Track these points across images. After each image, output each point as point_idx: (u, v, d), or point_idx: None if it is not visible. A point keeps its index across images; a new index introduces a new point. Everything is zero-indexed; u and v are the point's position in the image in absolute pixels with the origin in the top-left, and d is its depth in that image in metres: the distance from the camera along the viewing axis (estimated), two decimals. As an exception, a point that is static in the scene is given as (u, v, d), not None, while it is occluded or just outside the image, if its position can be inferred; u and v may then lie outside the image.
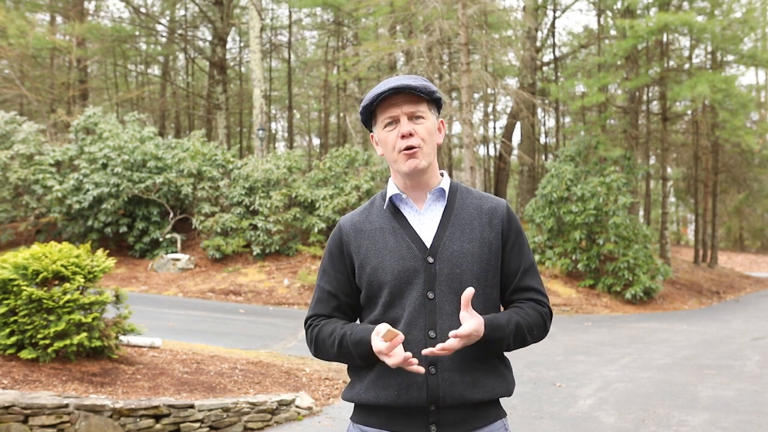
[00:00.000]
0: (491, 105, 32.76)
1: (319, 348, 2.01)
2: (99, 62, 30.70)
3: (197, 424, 5.40)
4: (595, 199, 16.93)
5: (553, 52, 28.69)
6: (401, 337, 1.79)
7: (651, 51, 22.38)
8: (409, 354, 1.78)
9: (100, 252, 6.51)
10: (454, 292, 1.90)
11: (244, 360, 7.59)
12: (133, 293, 12.93)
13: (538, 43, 25.68)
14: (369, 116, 2.02)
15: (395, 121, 1.96)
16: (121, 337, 6.58)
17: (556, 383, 7.55)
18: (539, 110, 28.20)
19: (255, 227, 16.83)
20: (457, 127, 27.79)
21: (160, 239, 17.11)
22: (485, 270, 1.96)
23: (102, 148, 16.72)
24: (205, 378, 6.45)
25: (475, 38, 19.19)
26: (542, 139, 31.55)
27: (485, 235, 1.98)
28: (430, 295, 1.91)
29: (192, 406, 5.41)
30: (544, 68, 28.00)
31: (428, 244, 1.96)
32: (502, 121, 32.09)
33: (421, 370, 1.80)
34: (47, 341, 5.77)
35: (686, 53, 25.79)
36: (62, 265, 5.94)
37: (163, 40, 31.04)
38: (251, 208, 17.05)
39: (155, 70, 34.29)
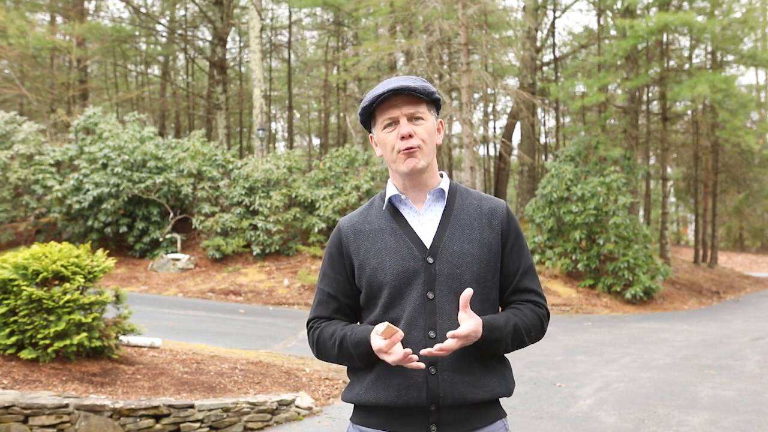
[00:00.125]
0: (491, 105, 32.79)
1: (321, 350, 2.02)
2: (99, 62, 30.70)
3: (197, 424, 5.40)
4: (595, 199, 16.93)
5: (553, 52, 28.70)
6: (400, 334, 1.79)
7: (651, 51, 22.39)
8: (408, 350, 1.78)
9: (100, 252, 6.51)
10: (454, 292, 1.90)
11: (244, 360, 7.59)
12: (133, 293, 12.93)
13: (538, 43, 25.68)
14: (368, 117, 2.02)
15: (395, 122, 1.96)
16: (121, 337, 6.59)
17: (556, 383, 7.55)
18: (539, 110, 28.20)
19: (255, 227, 16.83)
20: (457, 127, 27.80)
21: (160, 239, 17.11)
22: (485, 271, 1.96)
23: (102, 148, 16.73)
24: (205, 378, 6.46)
25: (475, 38, 19.19)
26: (542, 139, 31.55)
27: (485, 236, 1.98)
28: (430, 295, 1.92)
29: (192, 406, 5.41)
30: (544, 68, 28.01)
31: (428, 245, 1.96)
32: (502, 121, 32.11)
33: (422, 365, 1.80)
34: (47, 341, 5.77)
35: (686, 53, 25.79)
36: (62, 265, 5.94)
37: (163, 40, 31.05)
38: (251, 208, 17.05)
39: (155, 70, 34.30)
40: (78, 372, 5.85)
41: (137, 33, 29.74)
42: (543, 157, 29.94)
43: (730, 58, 24.07)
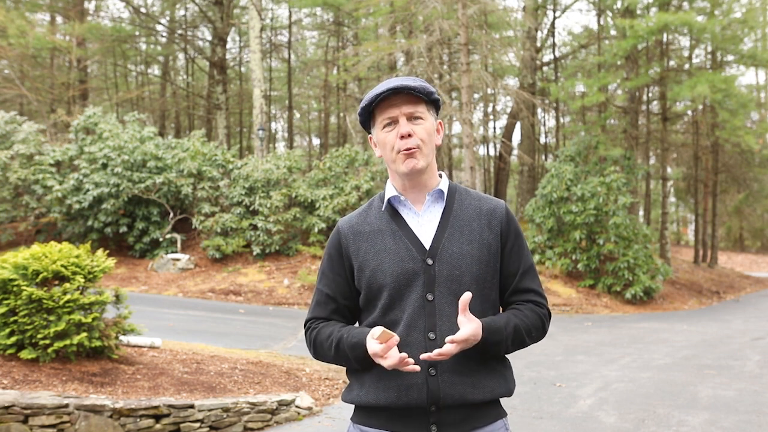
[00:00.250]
0: (491, 105, 32.79)
1: (318, 351, 2.02)
2: (99, 62, 30.71)
3: (197, 424, 5.40)
4: (595, 199, 16.93)
5: (553, 52, 28.70)
6: (396, 338, 1.79)
7: (651, 51, 22.38)
8: (404, 354, 1.78)
9: (100, 252, 6.52)
10: (454, 294, 1.90)
11: (244, 360, 7.59)
12: (133, 293, 12.93)
13: (538, 43, 25.68)
14: (368, 117, 2.02)
15: (394, 121, 1.96)
16: (121, 337, 6.59)
17: (556, 383, 7.55)
18: (539, 110, 28.20)
19: (255, 227, 16.83)
20: (457, 127, 27.81)
21: (160, 239, 17.11)
22: (484, 271, 1.96)
23: (102, 148, 16.73)
24: (205, 378, 6.46)
25: (475, 38, 19.19)
26: (542, 139, 31.55)
27: (484, 237, 1.98)
28: (430, 297, 1.91)
29: (192, 406, 5.41)
30: (544, 68, 28.00)
31: (427, 246, 1.95)
32: (502, 121, 32.11)
33: (417, 368, 1.80)
34: (47, 341, 5.78)
35: (686, 53, 25.79)
36: (62, 265, 5.94)
37: (163, 40, 31.06)
38: (251, 208, 17.05)
39: (155, 70, 34.30)
40: (78, 372, 5.85)
41: (137, 33, 29.74)
42: (543, 157, 29.94)
43: (730, 58, 24.08)
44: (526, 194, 23.27)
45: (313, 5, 24.79)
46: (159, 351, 7.30)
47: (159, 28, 30.33)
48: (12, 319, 5.78)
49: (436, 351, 1.79)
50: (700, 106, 23.39)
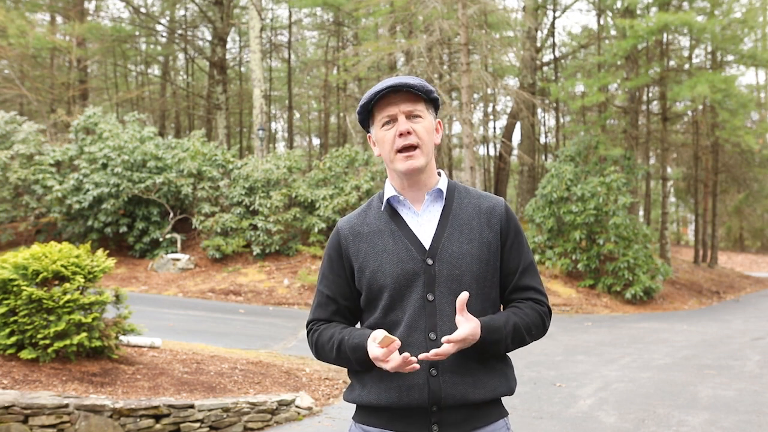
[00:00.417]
0: (491, 105, 32.77)
1: (320, 353, 2.03)
2: (99, 62, 30.71)
3: (197, 424, 5.40)
4: (595, 199, 16.93)
5: (553, 52, 28.70)
6: (398, 343, 1.79)
7: (651, 51, 22.38)
8: (407, 354, 1.78)
9: (100, 252, 6.51)
10: (454, 293, 1.90)
11: (244, 360, 7.59)
12: (133, 293, 12.93)
13: (538, 43, 25.68)
14: (367, 116, 2.02)
15: (393, 120, 1.95)
16: (121, 337, 6.59)
17: (556, 383, 7.55)
18: (539, 110, 28.19)
19: (255, 227, 16.83)
20: (457, 127, 27.81)
21: (160, 239, 17.11)
22: (484, 270, 1.95)
23: (102, 148, 16.73)
24: (205, 378, 6.46)
25: (475, 38, 19.20)
26: (542, 139, 31.54)
27: (484, 235, 1.97)
28: (430, 297, 1.91)
29: (192, 406, 5.41)
30: (544, 68, 28.00)
31: (427, 246, 1.95)
32: (502, 121, 32.10)
33: (417, 366, 1.80)
34: (47, 341, 5.77)
35: (686, 53, 25.79)
36: (62, 265, 5.94)
37: (163, 40, 31.06)
38: (251, 208, 17.05)
39: (155, 70, 34.30)
40: (78, 372, 5.85)
41: (137, 33, 29.74)
42: (543, 157, 29.94)
43: (730, 58, 24.08)
44: (526, 194, 23.27)
45: (313, 5, 24.79)
46: (159, 351, 7.30)
47: (159, 28, 30.33)
48: (12, 319, 5.78)
49: (433, 351, 1.79)
50: (700, 106, 23.39)
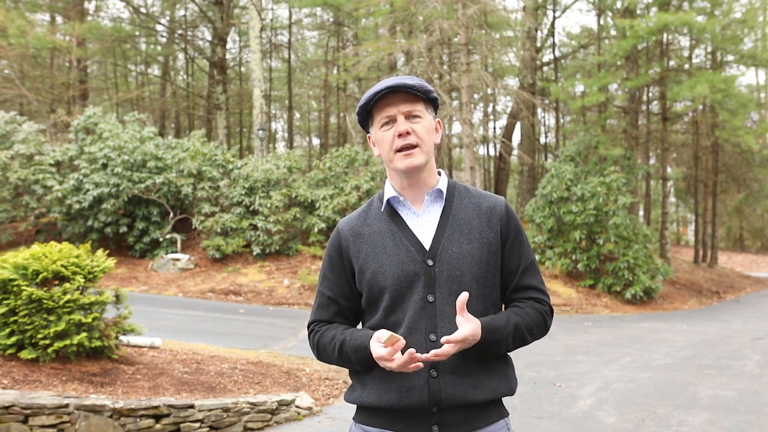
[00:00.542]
0: (491, 105, 32.78)
1: (322, 354, 2.03)
2: (99, 62, 30.71)
3: (197, 424, 5.40)
4: (595, 199, 16.93)
5: (553, 52, 28.70)
6: (402, 342, 1.79)
7: (651, 51, 22.38)
8: (412, 350, 1.77)
9: (100, 252, 6.51)
10: (454, 294, 1.89)
11: (244, 360, 7.59)
12: (133, 293, 12.93)
13: (538, 43, 25.68)
14: (366, 116, 2.01)
15: (392, 120, 1.95)
16: (121, 337, 6.59)
17: (556, 383, 7.55)
18: (539, 110, 28.19)
19: (255, 227, 16.83)
20: (457, 127, 27.82)
21: (160, 239, 17.11)
22: (485, 271, 1.95)
23: (102, 148, 16.73)
24: (205, 378, 6.46)
25: (475, 38, 19.20)
26: (542, 139, 31.55)
27: (484, 235, 1.97)
28: (430, 298, 1.91)
29: (192, 406, 5.41)
30: (544, 68, 28.00)
31: (427, 247, 1.95)
32: (502, 121, 32.10)
33: (420, 365, 1.80)
34: (47, 341, 5.77)
35: (686, 53, 25.79)
36: (62, 265, 5.94)
37: (163, 40, 31.06)
38: (251, 208, 17.05)
39: (155, 70, 34.30)
40: (78, 372, 5.85)
41: (137, 33, 29.75)
42: (543, 157, 29.94)
43: (730, 58, 24.08)
44: (526, 194, 23.27)
45: (313, 5, 24.80)
46: (159, 351, 7.30)
47: (159, 28, 30.33)
48: (12, 319, 5.78)
49: (433, 352, 1.79)
50: (700, 106, 23.40)
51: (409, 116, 1.95)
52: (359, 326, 2.08)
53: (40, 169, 16.92)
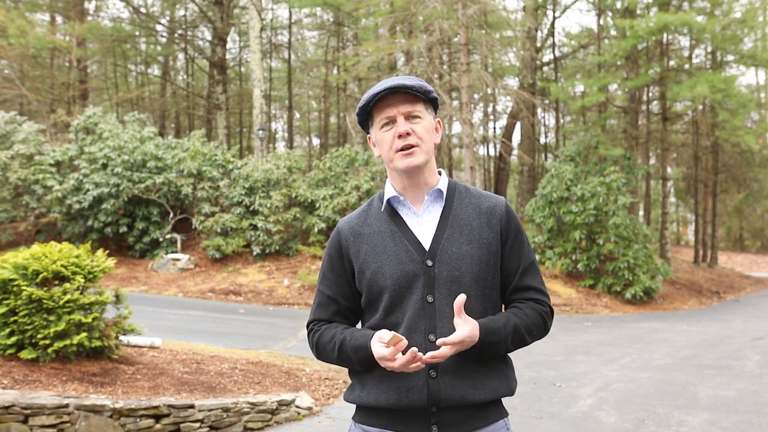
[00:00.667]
0: (491, 105, 32.77)
1: (321, 353, 2.03)
2: (99, 62, 30.71)
3: (197, 424, 5.40)
4: (595, 199, 16.93)
5: (553, 52, 28.70)
6: (405, 342, 1.78)
7: (651, 51, 22.38)
8: (415, 349, 1.77)
9: (100, 252, 6.51)
10: (454, 295, 1.89)
11: (244, 360, 7.59)
12: (133, 293, 12.93)
13: (538, 43, 25.68)
14: (366, 117, 2.01)
15: (392, 121, 1.95)
16: (121, 337, 6.59)
17: (556, 383, 7.55)
18: (539, 110, 28.19)
19: (255, 227, 16.83)
20: (457, 127, 27.82)
21: (160, 239, 17.11)
22: (484, 271, 1.95)
23: (102, 148, 16.73)
24: (205, 378, 6.46)
25: (475, 38, 19.20)
26: (542, 139, 31.54)
27: (484, 236, 1.97)
28: (430, 298, 1.91)
29: (192, 406, 5.41)
30: (544, 68, 28.00)
31: (427, 247, 1.95)
32: (502, 121, 32.10)
33: (420, 365, 1.80)
34: (47, 341, 5.77)
35: (686, 53, 25.79)
36: (62, 265, 5.94)
37: (163, 40, 31.06)
38: (251, 208, 17.05)
39: (155, 70, 34.30)
40: (78, 372, 5.85)
41: (137, 33, 29.75)
42: (543, 157, 29.94)
43: (730, 58, 24.09)
44: (526, 194, 23.27)
45: (313, 5, 24.80)
46: (159, 351, 7.30)
47: (159, 28, 30.33)
48: (12, 319, 5.78)
49: (429, 354, 1.79)
50: (700, 106, 23.40)
51: (409, 117, 1.95)
52: (358, 326, 2.07)
53: (40, 169, 16.92)
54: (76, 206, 16.47)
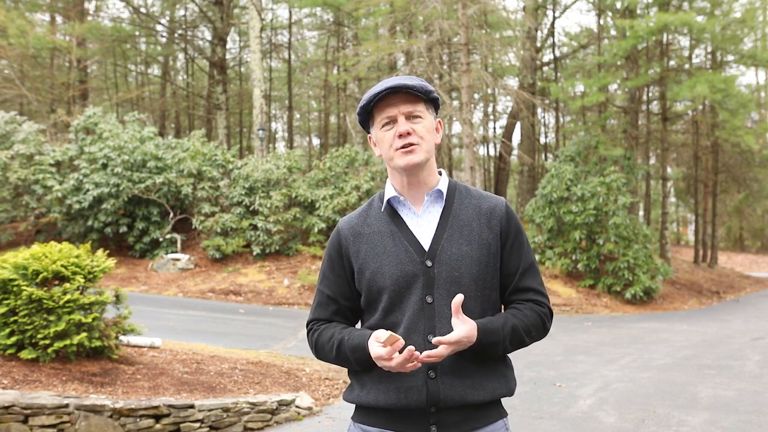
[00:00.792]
0: (491, 105, 32.77)
1: (320, 353, 2.03)
2: (99, 62, 30.71)
3: (197, 424, 5.40)
4: (595, 199, 16.93)
5: (553, 52, 28.69)
6: (401, 342, 1.78)
7: (651, 51, 22.38)
8: (411, 348, 1.77)
9: (100, 252, 6.51)
10: (453, 295, 1.89)
11: (244, 360, 7.59)
12: (133, 293, 12.93)
13: (538, 43, 25.68)
14: (367, 117, 2.01)
15: (393, 120, 1.95)
16: (121, 337, 6.59)
17: (556, 383, 7.55)
18: (539, 110, 28.19)
19: (255, 227, 16.83)
20: (457, 127, 27.82)
21: (160, 239, 17.11)
22: (484, 272, 1.95)
23: (102, 148, 16.73)
24: (205, 378, 6.46)
25: (475, 38, 19.20)
26: (542, 139, 31.54)
27: (484, 237, 1.97)
28: (429, 299, 1.91)
29: (192, 406, 5.41)
30: (544, 68, 28.00)
31: (426, 248, 1.94)
32: (502, 121, 32.11)
33: (418, 364, 1.80)
34: (47, 341, 5.77)
35: (686, 53, 25.79)
36: (62, 265, 5.94)
37: (163, 40, 31.06)
38: (251, 208, 17.05)
39: (155, 70, 34.30)
40: (78, 372, 5.85)
41: (137, 33, 29.75)
42: (543, 157, 29.94)
43: (730, 58, 24.09)
44: (526, 194, 23.27)
45: (313, 5, 24.80)
46: (159, 351, 7.30)
47: (159, 28, 30.33)
48: (12, 319, 5.78)
49: (426, 353, 1.79)
50: (700, 106, 23.40)
51: (409, 117, 1.95)
52: (358, 326, 2.08)
53: (40, 169, 16.92)
54: (76, 206, 16.47)
